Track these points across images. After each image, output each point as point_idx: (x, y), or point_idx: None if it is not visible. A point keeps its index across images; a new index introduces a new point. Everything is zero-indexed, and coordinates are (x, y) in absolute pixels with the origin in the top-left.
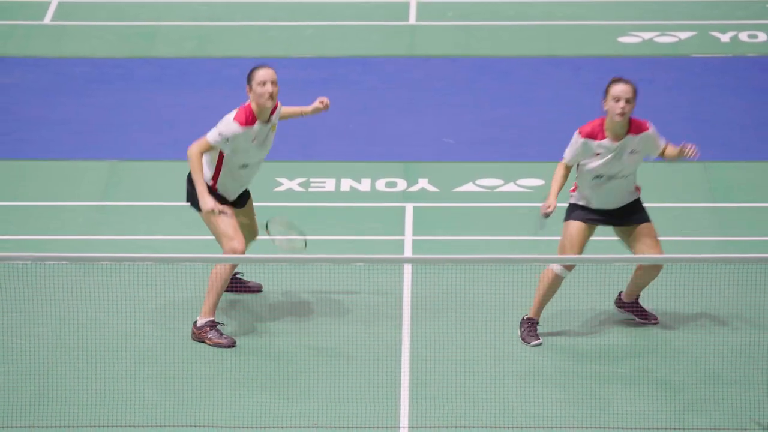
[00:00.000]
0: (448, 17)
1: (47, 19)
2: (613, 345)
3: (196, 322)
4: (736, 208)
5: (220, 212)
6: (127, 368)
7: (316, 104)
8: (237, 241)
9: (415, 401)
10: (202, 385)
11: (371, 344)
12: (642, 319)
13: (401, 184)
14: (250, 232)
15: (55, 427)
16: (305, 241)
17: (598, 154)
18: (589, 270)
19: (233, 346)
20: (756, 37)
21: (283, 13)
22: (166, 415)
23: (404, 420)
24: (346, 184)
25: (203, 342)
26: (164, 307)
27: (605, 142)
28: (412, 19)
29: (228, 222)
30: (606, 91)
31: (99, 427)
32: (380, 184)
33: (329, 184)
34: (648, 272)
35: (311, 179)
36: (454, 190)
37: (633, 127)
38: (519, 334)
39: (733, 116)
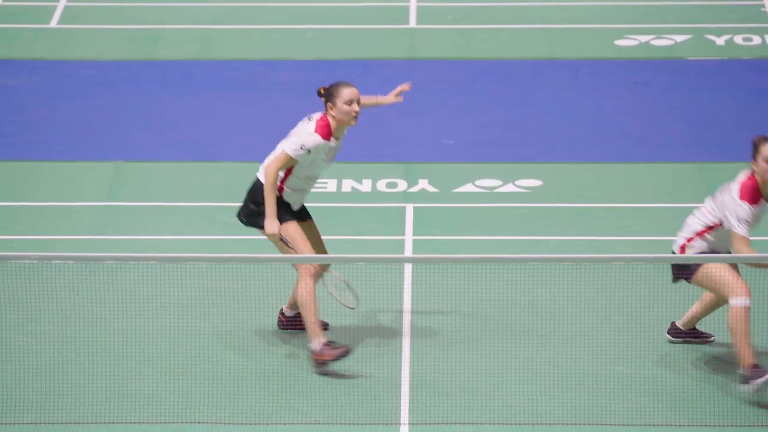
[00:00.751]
0: (448, 20)
1: (53, 23)
2: (609, 343)
3: (312, 349)
4: None
5: (284, 238)
6: (132, 366)
7: (395, 96)
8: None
9: (415, 398)
10: (206, 383)
11: (372, 342)
12: (699, 340)
13: (402, 185)
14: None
15: (61, 423)
16: (356, 302)
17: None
18: (587, 269)
19: (351, 352)
20: (750, 40)
21: (284, 16)
22: (170, 412)
23: (404, 417)
24: (348, 184)
25: (326, 365)
26: (169, 306)
27: (762, 203)
28: (412, 23)
29: (303, 243)
30: (756, 151)
31: (104, 423)
32: (381, 185)
33: (331, 185)
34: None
35: None
36: (454, 190)
37: None
38: (747, 388)
39: (728, 118)
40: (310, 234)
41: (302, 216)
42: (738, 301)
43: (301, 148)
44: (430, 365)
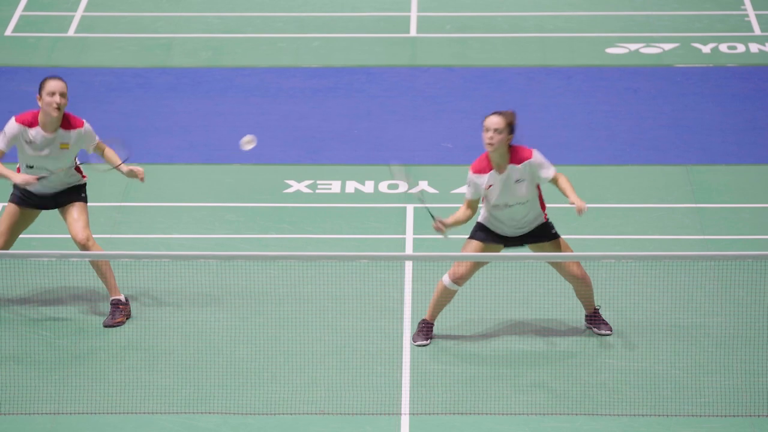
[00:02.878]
0: (447, 30)
1: (71, 32)
2: (601, 337)
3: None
4: (716, 208)
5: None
6: (145, 358)
7: (135, 170)
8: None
9: (414, 389)
10: (216, 375)
11: (374, 336)
12: (596, 328)
13: (402, 186)
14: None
15: (79, 413)
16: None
17: (489, 186)
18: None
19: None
20: (735, 48)
21: (291, 25)
22: (182, 403)
23: (405, 407)
24: (351, 186)
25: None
26: (180, 302)
27: (492, 173)
28: (413, 32)
29: (4, 218)
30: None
31: (119, 414)
32: (383, 186)
33: (335, 186)
34: (576, 286)
35: (318, 181)
36: (452, 191)
37: (513, 156)
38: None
39: (714, 123)
40: (67, 217)
41: (51, 203)
42: (445, 279)
43: (2, 133)
44: (429, 357)
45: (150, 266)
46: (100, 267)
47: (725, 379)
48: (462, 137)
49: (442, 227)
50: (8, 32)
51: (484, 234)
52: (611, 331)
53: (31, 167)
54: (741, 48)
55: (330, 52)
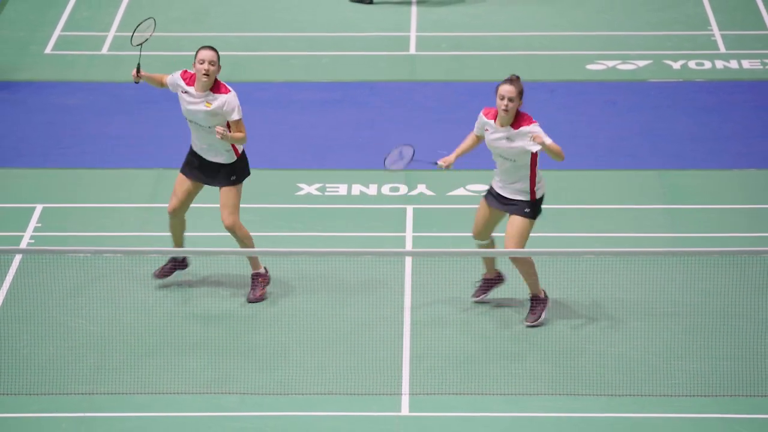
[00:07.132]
0: (443, 48)
1: (104, 50)
2: (582, 325)
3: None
4: (685, 209)
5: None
6: (171, 344)
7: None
8: (171, 202)
9: (414, 372)
10: (236, 359)
11: (377, 325)
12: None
13: (403, 189)
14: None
15: (111, 394)
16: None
17: (486, 130)
18: (562, 262)
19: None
20: (703, 65)
21: (303, 44)
22: (204, 384)
23: (405, 388)
24: (356, 188)
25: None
26: (203, 293)
27: (492, 122)
28: (412, 50)
29: (177, 182)
30: (496, 89)
31: (148, 394)
32: (385, 189)
33: (342, 189)
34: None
35: (327, 185)
36: (448, 194)
37: (516, 121)
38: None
39: (683, 132)
40: (220, 199)
41: (208, 176)
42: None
43: (171, 75)
44: (427, 344)
45: None
46: (244, 243)
47: (693, 363)
48: (456, 145)
49: (446, 164)
50: (48, 50)
51: (488, 192)
52: (534, 322)
53: (190, 121)
54: (708, 65)
55: (337, 68)
